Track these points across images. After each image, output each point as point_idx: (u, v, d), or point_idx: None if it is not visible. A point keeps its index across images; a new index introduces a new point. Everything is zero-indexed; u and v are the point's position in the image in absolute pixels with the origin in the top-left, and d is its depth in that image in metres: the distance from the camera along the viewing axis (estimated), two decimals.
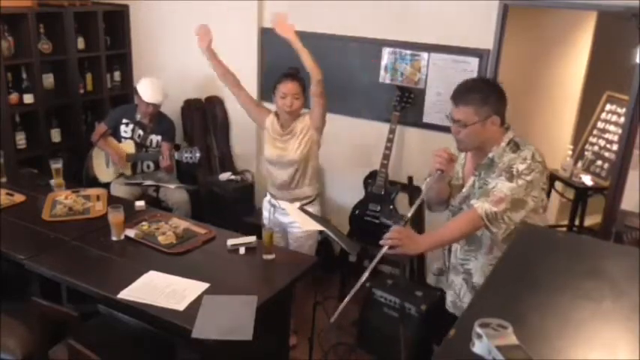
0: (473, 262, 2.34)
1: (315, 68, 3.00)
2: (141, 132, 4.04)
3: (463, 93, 2.19)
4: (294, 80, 3.09)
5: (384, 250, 2.13)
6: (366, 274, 2.12)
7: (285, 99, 3.06)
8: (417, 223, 3.62)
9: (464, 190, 2.32)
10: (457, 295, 2.43)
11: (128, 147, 4.03)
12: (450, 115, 2.23)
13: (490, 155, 2.22)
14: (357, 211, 3.88)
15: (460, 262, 2.39)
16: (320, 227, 2.78)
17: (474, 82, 2.31)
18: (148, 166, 4.11)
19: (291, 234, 3.25)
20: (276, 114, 3.22)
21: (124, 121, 4.06)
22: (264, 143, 3.27)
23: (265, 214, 3.29)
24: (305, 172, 3.19)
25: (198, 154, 3.77)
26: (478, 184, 2.25)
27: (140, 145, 4.04)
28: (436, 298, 3.05)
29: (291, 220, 3.15)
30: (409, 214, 2.26)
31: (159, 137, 4.07)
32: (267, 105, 3.38)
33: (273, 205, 3.25)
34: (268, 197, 3.29)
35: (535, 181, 2.14)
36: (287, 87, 3.06)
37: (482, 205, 2.12)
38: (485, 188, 2.19)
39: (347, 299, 2.06)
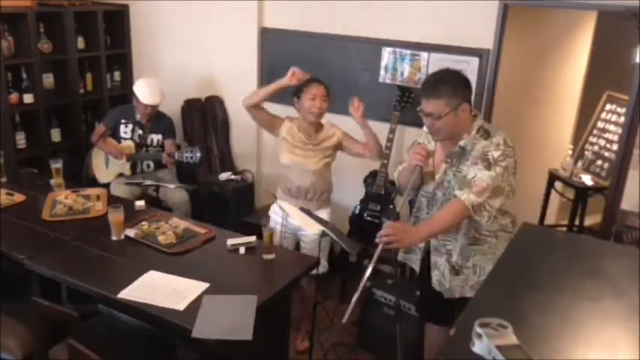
0: (453, 242, 2.42)
1: (380, 150, 3.25)
2: (140, 132, 4.04)
3: (433, 86, 2.27)
4: (320, 83, 3.13)
5: (381, 247, 2.18)
6: (367, 274, 2.12)
7: (315, 100, 3.08)
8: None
9: (436, 177, 2.40)
10: (442, 275, 2.49)
11: (128, 147, 4.03)
12: (422, 109, 2.30)
13: (461, 143, 2.30)
14: (357, 211, 3.88)
15: (442, 244, 2.46)
16: (320, 227, 2.78)
17: (440, 74, 2.37)
18: (148, 166, 4.11)
19: (305, 237, 3.24)
20: (291, 120, 3.23)
21: (123, 121, 4.06)
22: (279, 151, 3.24)
23: (277, 219, 3.20)
24: (322, 183, 3.23)
25: (198, 154, 3.77)
26: (451, 172, 2.34)
27: (140, 145, 4.04)
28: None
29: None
30: (398, 209, 2.37)
31: (159, 136, 4.07)
32: (267, 105, 3.38)
33: (284, 210, 3.16)
34: (279, 202, 3.22)
35: (509, 166, 2.25)
36: (314, 89, 3.09)
37: (467, 197, 2.20)
38: (465, 178, 2.27)
39: (353, 301, 2.06)
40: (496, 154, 2.22)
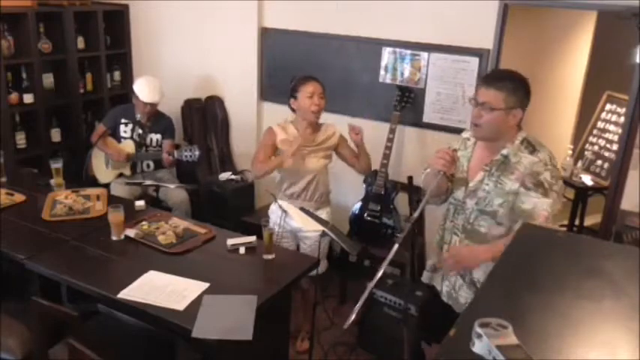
0: None
1: (369, 168, 3.34)
2: (140, 131, 4.04)
3: (497, 77, 2.22)
4: (317, 81, 3.12)
5: (394, 250, 2.09)
6: (376, 278, 2.08)
7: (313, 98, 3.07)
8: (418, 220, 3.62)
9: (471, 184, 2.30)
10: (452, 287, 2.42)
11: (128, 147, 4.03)
12: (475, 97, 2.22)
13: (504, 152, 2.22)
14: (357, 211, 3.88)
15: None
16: (320, 227, 2.78)
17: (508, 71, 2.33)
18: (148, 166, 4.11)
19: (305, 239, 3.24)
20: (282, 127, 3.19)
21: (123, 121, 4.06)
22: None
23: (275, 219, 3.19)
24: (320, 184, 3.23)
25: (197, 153, 3.77)
26: (491, 182, 2.24)
27: (139, 145, 4.04)
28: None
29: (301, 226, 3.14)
30: (415, 215, 2.24)
31: (158, 136, 4.07)
32: (267, 105, 3.38)
33: (285, 211, 3.15)
34: (278, 202, 3.22)
35: (561, 189, 2.20)
36: (311, 86, 3.08)
37: None
38: (522, 207, 2.16)
39: (358, 306, 2.01)
40: (548, 177, 2.14)
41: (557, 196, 2.15)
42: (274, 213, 3.24)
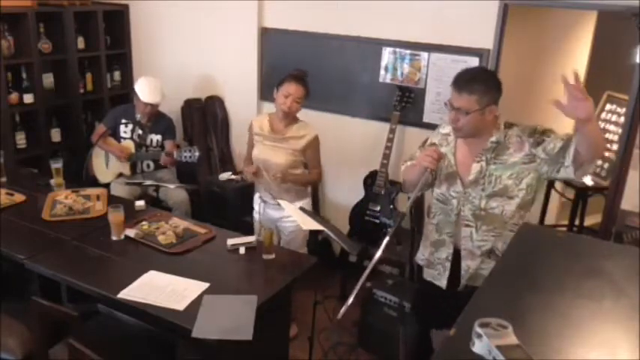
0: (492, 241, 2.36)
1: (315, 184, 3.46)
2: (140, 132, 4.04)
3: (467, 81, 2.25)
4: (300, 84, 3.12)
5: (386, 240, 2.16)
6: (369, 269, 2.12)
7: (287, 98, 3.09)
8: (417, 213, 3.62)
9: (470, 177, 2.35)
10: (478, 267, 2.40)
11: (128, 147, 4.03)
12: (450, 102, 2.29)
13: (493, 139, 2.31)
14: (357, 211, 3.88)
15: (477, 245, 2.38)
16: (320, 227, 2.78)
17: (477, 71, 2.40)
18: (148, 166, 4.11)
19: (283, 228, 3.31)
20: (260, 119, 3.31)
21: (123, 121, 4.05)
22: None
23: (256, 207, 3.35)
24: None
25: (197, 154, 3.77)
26: (492, 166, 2.31)
27: (139, 145, 4.04)
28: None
29: (282, 215, 3.20)
30: (407, 207, 2.34)
31: (159, 136, 4.07)
32: (267, 105, 3.39)
33: (265, 201, 3.29)
34: (257, 194, 3.36)
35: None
36: (292, 88, 3.09)
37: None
38: (557, 148, 2.18)
39: (351, 298, 2.06)
40: (540, 127, 2.27)
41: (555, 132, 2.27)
42: (256, 203, 3.35)
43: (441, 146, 2.44)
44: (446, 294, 2.49)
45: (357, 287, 2.11)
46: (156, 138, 4.07)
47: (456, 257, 2.47)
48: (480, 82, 2.24)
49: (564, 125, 4.83)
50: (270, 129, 3.22)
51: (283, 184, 3.18)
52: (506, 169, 2.30)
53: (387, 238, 2.19)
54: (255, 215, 3.36)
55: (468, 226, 2.39)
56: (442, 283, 2.52)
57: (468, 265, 2.43)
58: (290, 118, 3.18)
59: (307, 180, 3.31)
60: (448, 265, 2.48)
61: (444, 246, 2.49)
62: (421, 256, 2.63)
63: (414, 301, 2.95)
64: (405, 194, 3.83)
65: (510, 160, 2.29)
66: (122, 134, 4.05)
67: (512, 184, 2.30)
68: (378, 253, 2.18)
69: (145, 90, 3.91)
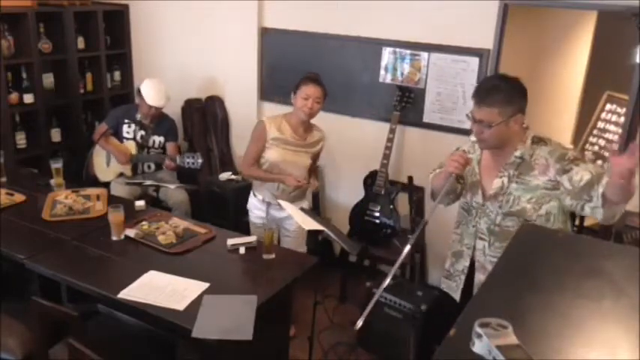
0: None
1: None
2: (142, 132, 4.03)
3: (486, 93, 2.16)
4: (318, 85, 3.13)
5: (406, 251, 2.12)
6: (388, 279, 2.10)
7: (307, 100, 3.09)
8: (417, 218, 3.62)
9: (491, 191, 2.29)
10: None
11: (130, 148, 4.02)
12: (472, 114, 2.21)
13: (517, 154, 2.23)
14: (357, 211, 3.88)
15: (490, 260, 2.33)
16: (320, 227, 2.78)
17: (496, 81, 2.28)
18: (149, 167, 4.11)
19: (285, 229, 3.32)
20: (275, 121, 3.21)
21: (126, 121, 4.05)
22: (267, 149, 3.20)
23: (259, 213, 3.31)
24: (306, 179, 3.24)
25: (200, 160, 3.76)
26: (513, 185, 2.24)
27: (142, 146, 4.03)
28: (435, 297, 3.06)
29: (285, 215, 3.20)
30: (426, 217, 2.27)
31: (161, 138, 4.06)
32: (267, 105, 3.39)
33: (268, 203, 3.27)
34: (260, 197, 3.30)
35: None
36: (311, 89, 3.10)
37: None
38: (583, 181, 2.08)
39: (371, 304, 2.06)
40: (573, 154, 2.18)
41: (589, 162, 2.19)
42: (256, 207, 3.33)
43: (469, 154, 2.38)
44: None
45: (376, 296, 2.06)
46: (158, 139, 4.06)
47: (472, 271, 2.43)
48: (501, 92, 2.15)
49: (564, 125, 4.84)
50: (294, 134, 3.19)
51: (284, 187, 3.20)
52: (527, 191, 2.21)
53: (408, 247, 2.13)
54: (260, 220, 3.32)
55: (482, 239, 2.36)
56: (456, 295, 2.50)
57: (480, 279, 2.38)
58: (309, 120, 3.19)
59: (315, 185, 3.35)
60: (463, 278, 2.45)
61: (462, 258, 2.46)
62: (445, 265, 2.60)
63: (429, 306, 2.94)
64: (405, 194, 3.84)
65: (533, 182, 2.20)
66: (125, 134, 4.05)
67: (531, 209, 2.22)
68: (399, 261, 2.12)
69: (150, 93, 3.90)
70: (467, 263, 2.43)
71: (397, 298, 3.16)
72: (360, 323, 2.04)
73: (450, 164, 2.22)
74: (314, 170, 3.38)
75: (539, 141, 2.23)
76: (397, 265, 2.11)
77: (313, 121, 3.25)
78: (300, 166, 3.21)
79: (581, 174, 2.10)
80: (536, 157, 2.21)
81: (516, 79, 2.25)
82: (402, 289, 3.19)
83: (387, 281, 2.13)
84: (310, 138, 3.24)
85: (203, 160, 3.82)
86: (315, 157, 3.33)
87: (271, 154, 3.18)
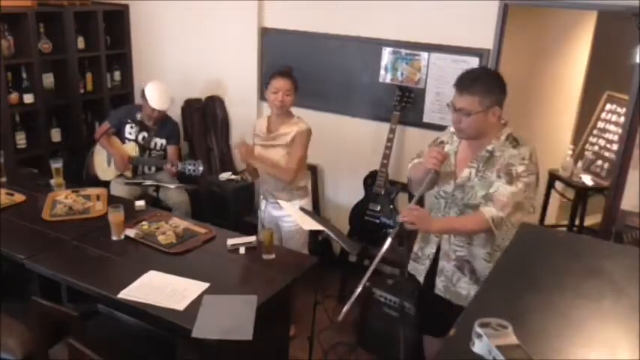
0: (465, 249, 2.39)
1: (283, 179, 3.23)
2: (145, 134, 4.03)
3: (469, 82, 2.22)
4: (287, 77, 3.16)
5: (386, 246, 2.17)
6: (369, 271, 2.13)
7: (277, 94, 3.12)
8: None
9: (458, 180, 2.35)
10: (449, 281, 2.44)
11: (131, 149, 4.02)
12: (452, 103, 2.26)
13: (489, 148, 2.27)
14: (357, 211, 3.88)
15: (453, 249, 2.41)
16: (320, 227, 2.78)
17: (479, 71, 2.37)
18: (149, 168, 4.11)
19: (283, 227, 3.31)
20: (261, 119, 3.32)
21: (129, 121, 4.04)
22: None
23: (262, 207, 3.36)
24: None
25: (201, 168, 3.75)
26: (477, 177, 2.30)
27: (143, 148, 4.03)
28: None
29: (283, 214, 3.20)
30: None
31: (163, 140, 4.06)
32: (267, 105, 3.38)
33: (266, 198, 3.30)
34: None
35: (532, 183, 2.22)
36: (279, 83, 3.13)
37: (489, 210, 2.19)
38: (487, 192, 2.24)
39: (352, 299, 2.11)
40: (520, 169, 2.19)
41: (523, 187, 2.19)
42: (261, 202, 3.36)
43: (447, 144, 2.44)
44: (442, 302, 2.48)
45: (358, 289, 2.10)
46: (160, 142, 4.06)
47: (437, 257, 2.50)
48: (482, 82, 2.21)
49: (564, 125, 4.84)
50: (266, 130, 3.24)
51: (279, 184, 3.20)
52: (483, 187, 2.27)
53: (389, 240, 2.20)
54: (262, 214, 3.36)
55: None
56: (421, 278, 2.57)
57: (443, 265, 2.45)
58: (284, 114, 3.19)
59: (273, 172, 3.20)
60: (428, 263, 2.52)
61: (430, 244, 2.52)
62: (414, 249, 2.65)
63: (415, 302, 2.95)
64: (405, 194, 3.84)
65: (489, 179, 2.26)
66: (127, 135, 4.04)
67: (484, 205, 2.26)
68: (380, 255, 2.19)
69: (154, 96, 3.89)
70: (433, 250, 2.50)
71: (397, 298, 3.16)
72: (344, 311, 2.13)
73: (428, 161, 2.28)
74: (286, 163, 3.20)
75: (513, 141, 2.27)
76: (380, 255, 2.19)
77: (303, 115, 3.25)
78: (274, 159, 3.21)
79: (501, 189, 2.20)
80: (502, 156, 2.25)
81: (498, 74, 2.33)
82: (401, 289, 3.19)
83: (372, 269, 2.20)
84: (281, 129, 3.20)
85: (204, 168, 3.82)
86: (290, 145, 3.18)
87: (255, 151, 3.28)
